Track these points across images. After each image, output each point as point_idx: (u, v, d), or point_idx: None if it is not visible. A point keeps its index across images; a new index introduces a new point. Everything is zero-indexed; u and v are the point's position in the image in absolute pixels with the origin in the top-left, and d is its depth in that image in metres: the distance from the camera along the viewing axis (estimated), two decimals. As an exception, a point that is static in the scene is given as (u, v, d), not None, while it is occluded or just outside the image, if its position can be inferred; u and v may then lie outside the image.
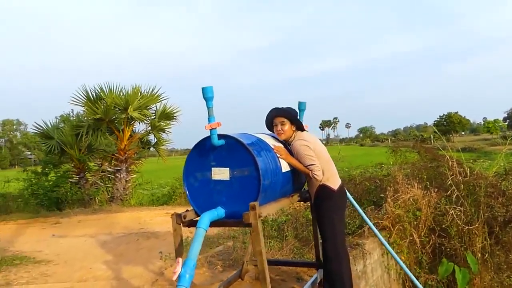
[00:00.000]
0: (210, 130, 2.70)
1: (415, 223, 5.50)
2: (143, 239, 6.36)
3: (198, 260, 4.70)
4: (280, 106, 3.39)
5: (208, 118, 2.70)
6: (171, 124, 11.74)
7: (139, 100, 10.72)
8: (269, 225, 5.36)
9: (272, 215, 5.70)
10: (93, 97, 10.64)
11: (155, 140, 12.11)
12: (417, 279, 5.06)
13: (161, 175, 16.94)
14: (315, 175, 3.16)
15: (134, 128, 11.55)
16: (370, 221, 4.68)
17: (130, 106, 10.35)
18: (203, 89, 2.65)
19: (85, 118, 11.39)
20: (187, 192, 2.93)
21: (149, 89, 11.04)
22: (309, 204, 3.70)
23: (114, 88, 10.79)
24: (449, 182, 5.81)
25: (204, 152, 2.86)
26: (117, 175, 11.19)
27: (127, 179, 11.32)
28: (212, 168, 2.83)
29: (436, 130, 9.16)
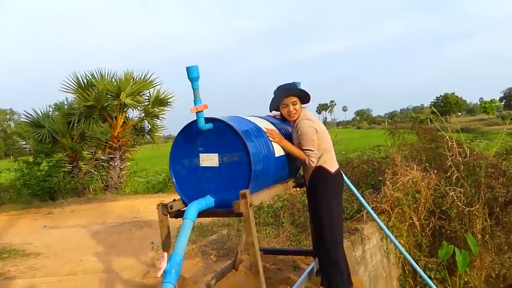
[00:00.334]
0: (196, 113, 2.48)
1: (414, 206, 5.37)
2: (136, 229, 6.21)
3: (191, 250, 4.59)
4: (283, 84, 3.17)
5: (194, 100, 2.48)
6: (165, 110, 11.51)
7: (131, 86, 10.43)
8: (265, 211, 5.21)
9: (268, 201, 5.54)
10: (84, 84, 10.35)
11: (150, 126, 11.89)
12: (417, 263, 4.95)
13: (156, 162, 16.73)
14: (311, 161, 3.01)
15: (127, 115, 11.33)
16: (369, 205, 4.52)
17: (123, 93, 10.08)
18: (187, 68, 2.43)
19: (77, 106, 11.12)
20: (174, 180, 2.74)
21: (142, 74, 10.76)
22: (305, 189, 3.51)
23: (106, 74, 10.49)
24: (449, 163, 5.66)
25: (191, 137, 2.65)
26: (111, 163, 10.98)
27: (121, 167, 11.13)
28: (200, 154, 2.63)
29: (436, 111, 8.92)
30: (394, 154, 6.14)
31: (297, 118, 3.12)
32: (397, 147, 6.79)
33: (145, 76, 10.74)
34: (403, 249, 4.49)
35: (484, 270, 5.33)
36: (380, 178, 5.79)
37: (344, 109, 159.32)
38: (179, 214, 2.62)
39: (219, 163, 2.58)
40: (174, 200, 2.71)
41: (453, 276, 5.44)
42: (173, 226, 2.89)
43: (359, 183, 6.06)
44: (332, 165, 3.15)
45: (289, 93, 3.11)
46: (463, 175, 5.60)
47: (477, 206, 5.30)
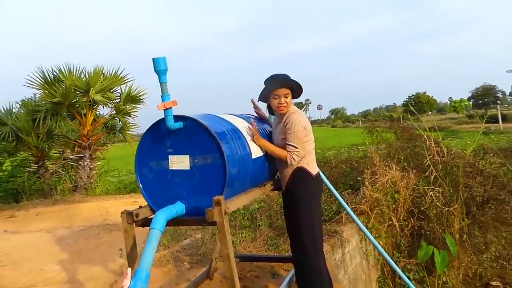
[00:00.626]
0: (164, 110, 2.23)
1: (393, 206, 5.27)
2: (104, 233, 5.86)
3: (162, 256, 4.30)
4: (276, 74, 2.95)
5: (162, 96, 2.23)
6: (138, 108, 11.09)
7: (101, 82, 9.96)
8: (241, 214, 4.99)
9: (244, 202, 5.32)
10: (50, 79, 9.80)
11: (121, 124, 11.45)
12: (396, 264, 4.85)
13: (129, 161, 16.14)
14: (292, 158, 2.78)
15: (97, 113, 10.84)
16: (348, 206, 4.38)
17: (92, 89, 9.60)
18: (154, 60, 2.17)
19: (43, 102, 10.54)
20: (140, 186, 2.47)
21: (113, 70, 10.30)
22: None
23: (74, 70, 9.99)
24: (427, 163, 5.59)
25: (159, 137, 2.39)
26: (80, 162, 10.48)
27: (91, 166, 10.64)
28: (169, 156, 2.38)
29: (413, 110, 8.90)
30: (373, 153, 6.04)
31: (285, 112, 2.91)
32: (375, 147, 6.71)
33: (116, 72, 10.29)
34: (383, 251, 4.36)
35: (462, 270, 5.31)
36: (359, 178, 5.68)
37: (319, 107, 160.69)
38: (146, 222, 2.36)
39: (190, 166, 2.34)
40: (141, 207, 2.44)
41: (431, 276, 5.39)
42: (145, 230, 2.63)
43: (337, 183, 5.93)
44: (314, 168, 2.96)
45: (284, 84, 2.89)
46: (441, 175, 5.55)
47: (456, 206, 5.25)
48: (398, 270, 4.48)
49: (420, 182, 5.53)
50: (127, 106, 10.86)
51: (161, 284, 3.71)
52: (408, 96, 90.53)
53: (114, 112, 10.83)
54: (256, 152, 2.68)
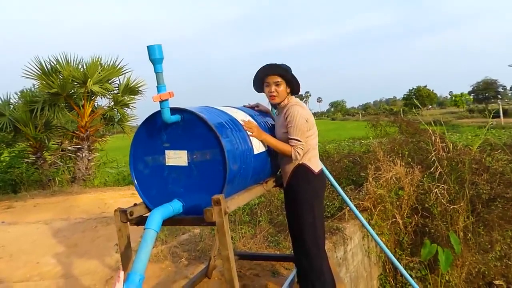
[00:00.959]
0: (160, 102, 2.08)
1: (397, 203, 5.14)
2: (101, 226, 5.76)
3: (160, 252, 4.18)
4: (274, 62, 2.78)
5: (157, 87, 2.08)
6: (136, 99, 10.95)
7: (99, 72, 9.81)
8: (241, 209, 4.86)
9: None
10: (48, 70, 9.65)
11: (120, 116, 11.31)
12: (399, 262, 4.74)
13: (128, 152, 16.04)
14: (297, 153, 2.63)
15: (95, 104, 10.69)
16: (351, 202, 4.25)
17: (90, 80, 9.44)
18: (149, 48, 2.02)
19: (40, 93, 10.39)
20: (135, 182, 2.34)
21: (110, 61, 10.13)
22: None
23: (72, 60, 9.82)
24: (432, 159, 5.45)
25: (155, 131, 2.25)
26: (79, 154, 10.37)
27: (89, 158, 10.53)
28: (166, 151, 2.24)
29: (417, 103, 8.74)
30: (376, 148, 5.90)
31: (282, 104, 2.77)
32: (379, 141, 6.56)
33: (114, 63, 10.13)
34: (386, 249, 4.25)
35: (465, 268, 5.19)
36: (362, 173, 5.54)
37: (319, 100, 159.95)
38: (142, 221, 2.24)
39: (188, 162, 2.20)
40: (136, 204, 2.31)
41: (433, 274, 5.28)
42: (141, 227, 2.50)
43: (340, 179, 5.81)
44: (316, 165, 2.82)
45: (272, 71, 2.74)
46: (446, 171, 5.42)
47: (461, 204, 5.12)
48: (401, 268, 4.37)
49: (425, 179, 5.40)
50: (126, 97, 10.71)
51: (158, 281, 3.61)
52: (409, 90, 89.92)
53: (113, 103, 10.69)
54: (258, 147, 2.54)
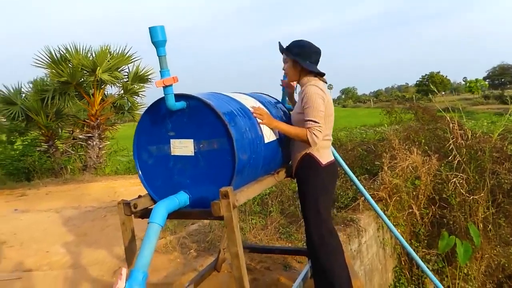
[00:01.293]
0: (164, 88, 1.94)
1: (414, 193, 4.95)
2: (111, 215, 5.71)
3: (169, 243, 4.09)
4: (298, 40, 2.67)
5: (160, 72, 1.93)
6: (146, 87, 10.91)
7: (108, 61, 9.75)
8: (251, 199, 4.73)
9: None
10: (57, 59, 9.64)
11: (130, 104, 11.28)
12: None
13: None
14: (314, 136, 2.39)
15: (105, 92, 10.67)
16: (367, 192, 4.08)
17: (99, 68, 9.40)
18: (150, 29, 1.87)
19: (50, 82, 10.41)
20: (139, 173, 2.22)
21: (119, 49, 10.05)
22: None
23: (81, 49, 9.78)
24: (450, 147, 5.23)
25: (159, 119, 2.12)
26: (89, 142, 10.40)
27: (100, 146, 10.55)
28: (171, 140, 2.11)
29: (435, 89, 8.44)
30: (391, 136, 5.68)
31: (299, 83, 2.66)
32: (394, 129, 6.33)
33: (123, 51, 10.05)
34: (403, 240, 4.08)
35: (485, 261, 5.01)
36: (376, 162, 5.35)
37: (330, 87, 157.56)
38: (146, 213, 2.12)
39: (194, 152, 2.07)
40: (140, 196, 2.20)
41: (450, 267, 5.11)
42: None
43: (353, 167, 5.61)
44: (326, 156, 2.60)
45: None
46: (465, 160, 5.19)
47: (481, 194, 4.91)
48: (419, 260, 4.20)
49: (443, 168, 5.19)
50: (135, 86, 10.69)
51: (166, 273, 3.52)
52: (422, 76, 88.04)
53: (122, 91, 10.66)
54: (269, 135, 2.39)
